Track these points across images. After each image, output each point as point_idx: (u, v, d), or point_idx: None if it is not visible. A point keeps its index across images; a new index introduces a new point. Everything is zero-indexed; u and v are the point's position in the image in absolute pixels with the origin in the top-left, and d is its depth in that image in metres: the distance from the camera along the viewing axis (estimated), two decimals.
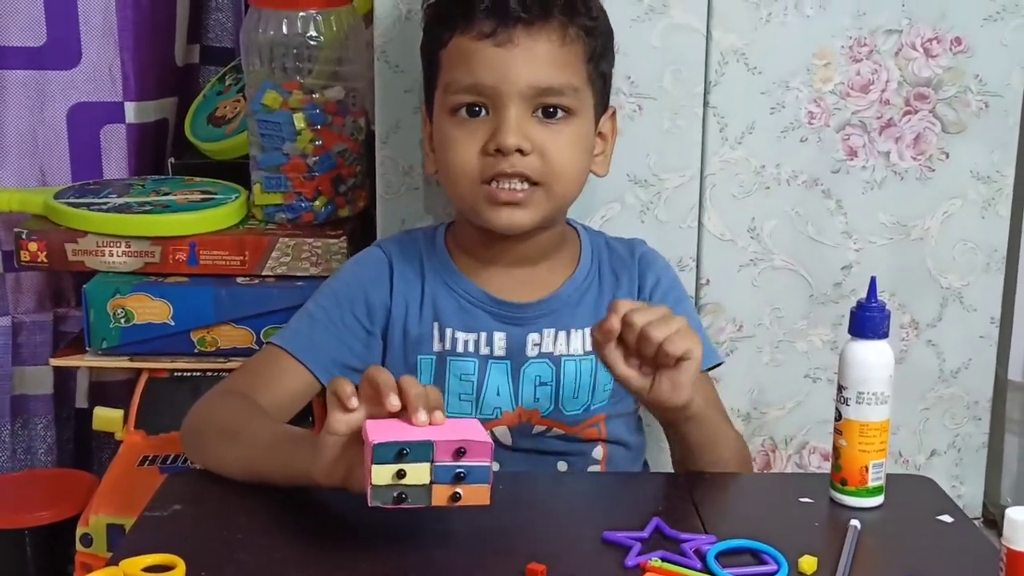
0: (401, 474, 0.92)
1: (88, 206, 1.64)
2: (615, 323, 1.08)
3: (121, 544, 1.04)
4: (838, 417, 1.12)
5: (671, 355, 1.08)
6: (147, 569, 0.95)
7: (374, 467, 0.92)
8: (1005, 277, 1.61)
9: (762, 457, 1.62)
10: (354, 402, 0.98)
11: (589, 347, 1.28)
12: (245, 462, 1.11)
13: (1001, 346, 1.68)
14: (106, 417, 1.62)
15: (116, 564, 0.96)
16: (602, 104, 1.29)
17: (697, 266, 1.55)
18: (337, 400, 0.99)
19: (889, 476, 1.13)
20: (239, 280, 1.62)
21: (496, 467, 1.28)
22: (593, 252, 1.34)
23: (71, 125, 1.84)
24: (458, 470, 0.93)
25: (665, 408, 1.14)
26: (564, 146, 1.22)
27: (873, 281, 1.13)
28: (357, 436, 0.97)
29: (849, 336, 1.13)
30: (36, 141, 1.82)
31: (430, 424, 0.95)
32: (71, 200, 1.66)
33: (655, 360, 1.09)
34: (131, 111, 1.86)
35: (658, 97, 1.50)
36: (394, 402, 0.96)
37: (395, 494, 0.92)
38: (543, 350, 1.28)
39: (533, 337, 1.28)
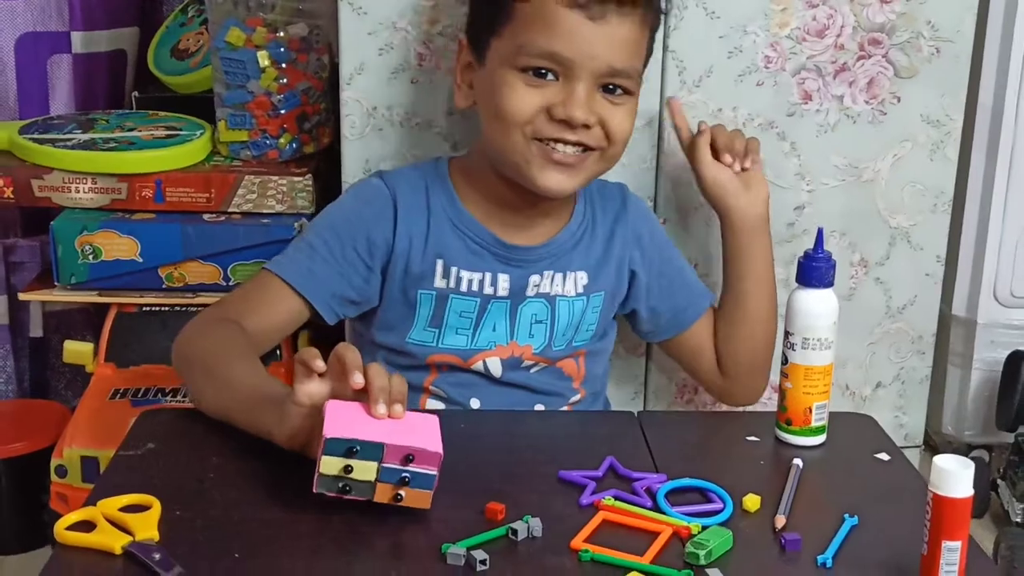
0: (348, 469, 0.95)
1: (53, 142, 1.65)
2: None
3: (97, 484, 1.07)
4: (784, 361, 1.18)
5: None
6: (124, 509, 0.99)
7: (323, 457, 0.94)
8: (951, 217, 1.66)
9: None
10: (319, 364, 1.01)
11: (581, 289, 1.34)
12: (217, 404, 1.15)
13: (946, 283, 1.74)
14: (76, 350, 1.65)
15: (94, 504, 1.00)
16: None
17: (655, 206, 1.59)
18: (304, 369, 1.01)
19: (832, 415, 1.19)
20: (206, 217, 1.64)
21: (476, 403, 1.32)
22: (586, 198, 1.37)
23: (19, 55, 1.83)
24: (403, 475, 0.96)
25: (744, 217, 1.41)
26: (623, 120, 1.25)
27: (820, 232, 1.17)
28: (320, 408, 1.00)
29: (796, 285, 1.18)
30: None
31: (389, 417, 0.98)
32: (36, 136, 1.67)
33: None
34: (78, 40, 1.85)
35: None
36: (358, 380, 0.98)
37: (340, 485, 0.95)
38: (541, 290, 1.32)
39: (534, 279, 1.32)
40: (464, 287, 1.30)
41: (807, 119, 1.58)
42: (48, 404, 1.79)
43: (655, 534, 0.98)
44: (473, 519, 0.99)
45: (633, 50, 1.24)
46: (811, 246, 1.19)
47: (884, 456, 1.17)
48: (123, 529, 0.96)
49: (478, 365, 1.32)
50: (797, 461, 1.12)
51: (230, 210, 1.64)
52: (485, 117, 1.27)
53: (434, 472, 0.97)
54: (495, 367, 1.32)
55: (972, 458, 1.92)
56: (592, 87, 1.21)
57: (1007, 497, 1.86)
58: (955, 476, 0.88)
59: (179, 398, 1.58)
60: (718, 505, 1.04)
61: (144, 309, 1.65)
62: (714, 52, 1.54)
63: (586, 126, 1.21)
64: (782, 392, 1.18)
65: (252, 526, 0.99)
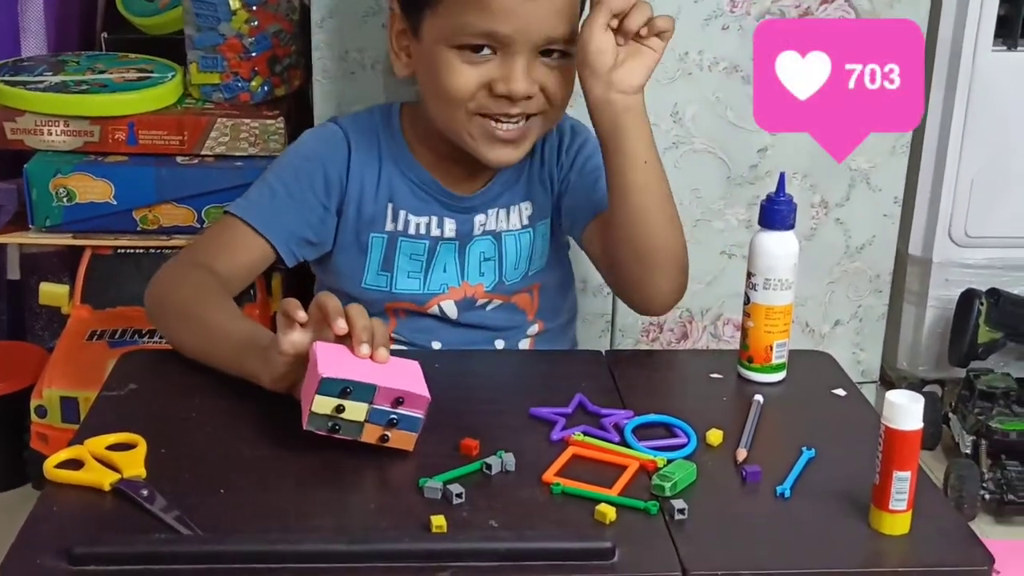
0: (340, 408, 0.98)
1: (25, 85, 1.65)
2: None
3: (83, 424, 1.09)
4: (747, 301, 1.22)
5: (653, 30, 1.18)
6: (110, 447, 1.02)
7: (317, 396, 0.97)
8: (909, 159, 1.71)
9: (680, 328, 1.73)
10: (301, 315, 1.03)
11: (526, 221, 1.36)
12: (199, 349, 1.17)
13: (903, 223, 1.79)
14: (52, 292, 1.67)
15: (81, 443, 1.02)
16: None
17: None
18: (286, 320, 1.04)
19: (791, 352, 1.24)
20: (179, 160, 1.65)
21: (437, 346, 1.36)
22: None
23: None
24: (392, 416, 1.00)
25: (621, 90, 1.19)
26: (562, 81, 1.25)
27: (782, 177, 1.21)
28: (303, 355, 1.03)
29: (758, 227, 1.21)
30: None
31: (373, 360, 1.01)
32: (7, 79, 1.67)
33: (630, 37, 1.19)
34: None
35: None
36: (340, 325, 1.01)
37: (330, 424, 0.99)
38: (487, 228, 1.35)
39: (479, 219, 1.34)
40: (412, 230, 1.33)
41: None
42: (25, 346, 1.81)
43: (623, 467, 1.02)
44: (449, 454, 1.02)
45: (567, 16, 1.23)
46: (773, 187, 1.22)
47: (840, 392, 1.21)
48: (111, 467, 0.99)
49: (434, 309, 1.35)
50: (758, 397, 1.16)
51: (203, 153, 1.66)
52: (425, 92, 1.27)
53: (421, 415, 1.01)
54: (450, 310, 1.35)
55: (925, 393, 2.01)
56: (530, 57, 1.21)
57: (958, 430, 1.93)
58: (906, 410, 0.93)
59: (155, 339, 1.61)
60: (682, 439, 1.08)
61: (119, 251, 1.67)
62: None
63: (527, 97, 1.22)
64: (744, 331, 1.22)
65: (236, 463, 1.02)
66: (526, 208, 1.36)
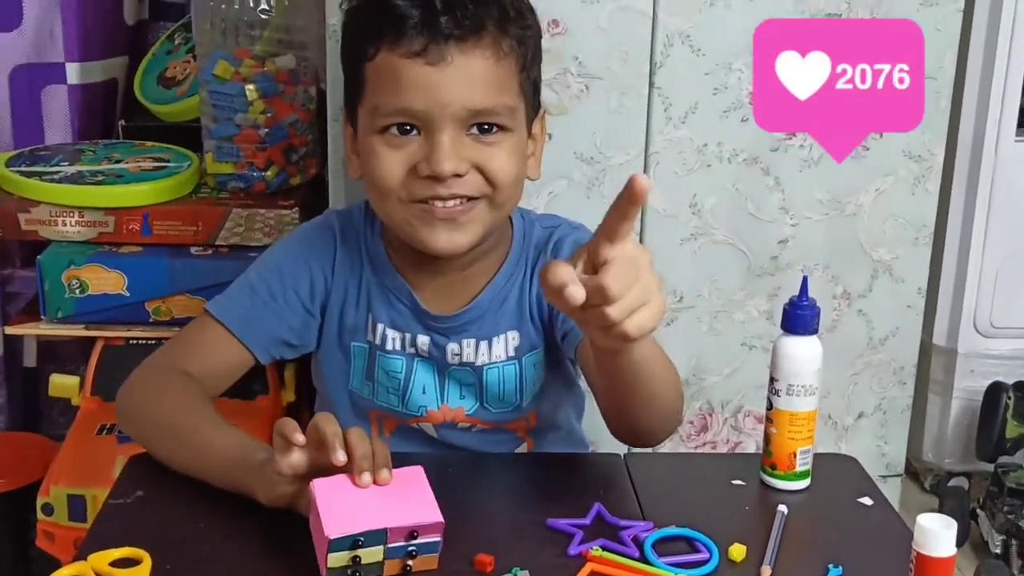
0: (356, 559, 0.95)
1: (40, 175, 1.65)
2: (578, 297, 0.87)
3: (89, 534, 1.06)
4: (769, 406, 1.19)
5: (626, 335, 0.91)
6: (114, 563, 0.99)
7: (330, 555, 0.95)
8: (932, 250, 1.68)
9: (699, 420, 1.70)
10: (299, 438, 0.99)
11: (512, 352, 1.26)
12: (191, 467, 1.13)
13: (927, 313, 1.76)
14: (62, 384, 1.65)
15: (84, 559, 0.99)
16: (534, 108, 1.22)
17: (640, 240, 1.61)
18: (283, 442, 1.00)
19: (815, 456, 1.20)
20: (193, 250, 1.64)
21: None
22: (523, 247, 1.27)
23: (13, 87, 1.83)
24: (410, 549, 0.97)
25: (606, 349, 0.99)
26: (502, 159, 1.15)
27: (805, 280, 1.18)
28: (302, 475, 1.00)
29: (781, 332, 1.19)
30: None
31: (375, 484, 0.97)
32: (22, 168, 1.67)
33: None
34: (73, 72, 1.85)
35: (605, 77, 1.54)
36: (340, 458, 0.97)
37: (349, 572, 0.96)
38: (464, 360, 1.25)
39: (452, 347, 1.25)
40: (389, 345, 1.26)
41: (791, 154, 1.60)
42: (32, 437, 1.79)
43: None
44: (463, 570, 0.99)
45: (495, 86, 1.14)
46: (794, 279, 1.21)
47: (867, 500, 1.18)
48: None
49: (414, 425, 1.29)
50: (782, 507, 1.13)
51: (217, 243, 1.65)
52: (367, 187, 1.20)
53: (438, 539, 0.98)
54: (430, 430, 1.29)
55: (951, 488, 1.97)
56: (458, 133, 1.13)
57: (987, 528, 1.88)
58: (938, 536, 0.90)
59: None
60: (704, 555, 1.04)
61: (131, 342, 1.65)
62: (699, 89, 1.56)
63: (458, 175, 1.13)
64: (767, 437, 1.19)
65: None
66: (512, 338, 1.25)
